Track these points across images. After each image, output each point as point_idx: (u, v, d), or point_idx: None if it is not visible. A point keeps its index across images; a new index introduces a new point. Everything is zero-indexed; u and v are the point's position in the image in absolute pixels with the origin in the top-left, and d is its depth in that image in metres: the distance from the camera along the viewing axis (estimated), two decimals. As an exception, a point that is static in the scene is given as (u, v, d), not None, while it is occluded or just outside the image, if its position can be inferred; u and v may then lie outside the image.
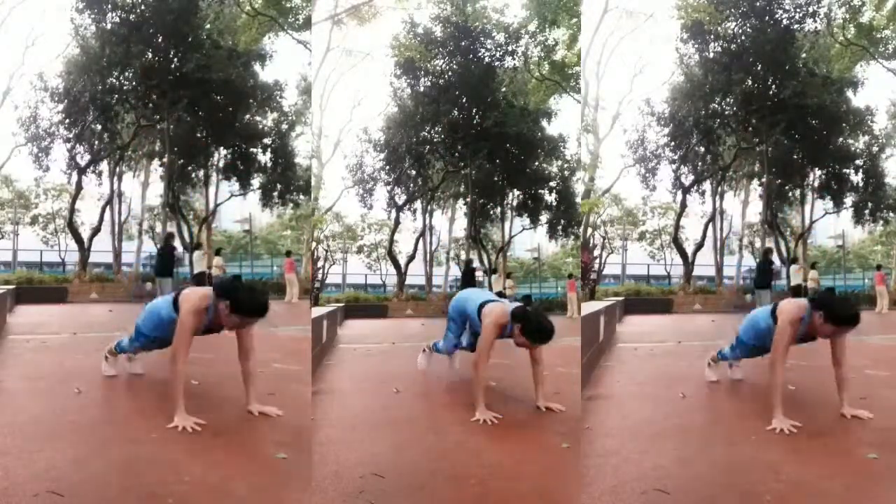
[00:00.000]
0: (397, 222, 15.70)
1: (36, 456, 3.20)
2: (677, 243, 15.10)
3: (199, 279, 12.01)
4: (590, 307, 7.46)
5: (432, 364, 5.85)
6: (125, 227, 14.40)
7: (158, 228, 13.90)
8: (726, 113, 14.61)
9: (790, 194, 15.12)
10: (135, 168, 14.70)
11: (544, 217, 15.48)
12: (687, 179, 14.91)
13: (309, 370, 5.59)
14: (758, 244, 14.73)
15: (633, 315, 12.09)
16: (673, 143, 14.75)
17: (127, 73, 13.57)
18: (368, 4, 15.94)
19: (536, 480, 3.15)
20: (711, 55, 14.48)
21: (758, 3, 14.24)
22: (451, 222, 16.51)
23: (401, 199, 15.63)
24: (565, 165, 15.42)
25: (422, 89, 15.16)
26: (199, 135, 13.99)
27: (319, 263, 16.26)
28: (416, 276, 15.79)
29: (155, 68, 13.44)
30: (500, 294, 12.86)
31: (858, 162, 14.88)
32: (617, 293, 14.08)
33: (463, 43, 14.99)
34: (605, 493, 2.99)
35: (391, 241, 15.71)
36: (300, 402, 4.50)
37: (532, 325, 4.22)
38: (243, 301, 3.74)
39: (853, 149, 14.90)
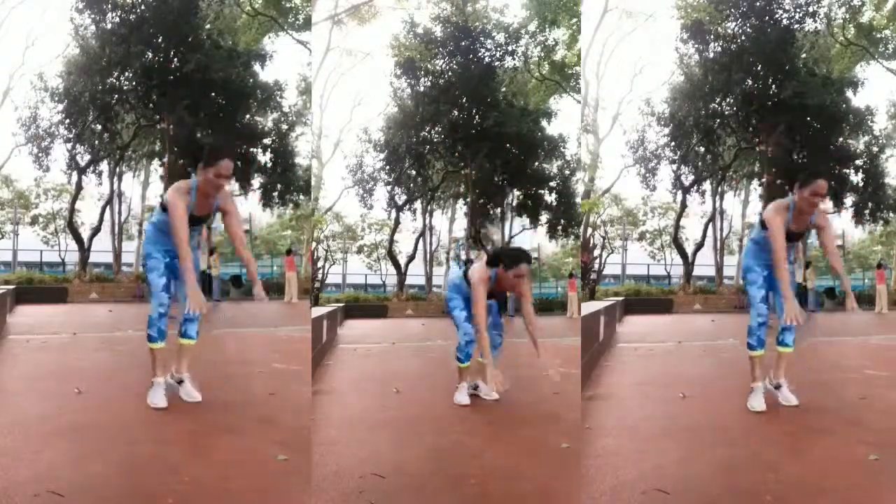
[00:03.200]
0: (397, 222, 15.71)
1: (36, 456, 3.20)
2: (677, 243, 15.10)
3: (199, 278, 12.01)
4: (590, 307, 7.46)
5: (431, 365, 5.84)
6: (125, 227, 14.41)
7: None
8: (726, 113, 14.61)
9: (790, 194, 15.12)
10: (135, 168, 14.71)
11: (544, 217, 15.49)
12: (687, 179, 14.91)
13: (309, 370, 5.59)
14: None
15: (633, 315, 12.09)
16: (673, 143, 14.75)
17: (127, 73, 13.57)
18: (368, 4, 15.95)
19: (536, 480, 3.15)
20: (711, 55, 14.48)
21: (758, 3, 14.25)
22: (451, 222, 16.52)
23: (401, 199, 15.64)
24: (565, 165, 15.43)
25: (422, 89, 15.17)
26: (199, 135, 13.99)
27: (319, 263, 16.26)
28: (416, 276, 15.80)
29: (155, 68, 13.45)
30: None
31: (858, 162, 14.88)
32: (617, 293, 14.08)
33: (463, 43, 14.99)
34: (605, 493, 2.99)
35: (391, 241, 15.72)
36: (300, 403, 4.50)
37: (507, 254, 4.49)
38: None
39: (853, 149, 14.90)
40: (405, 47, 15.14)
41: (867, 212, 14.93)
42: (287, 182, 14.49)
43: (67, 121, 13.60)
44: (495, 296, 4.66)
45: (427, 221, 15.80)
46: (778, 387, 4.61)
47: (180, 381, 4.34)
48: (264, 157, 14.40)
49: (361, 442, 3.71)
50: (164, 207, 4.12)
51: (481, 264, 4.57)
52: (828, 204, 15.08)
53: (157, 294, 4.17)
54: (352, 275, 17.11)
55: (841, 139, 14.79)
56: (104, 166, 14.03)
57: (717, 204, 15.02)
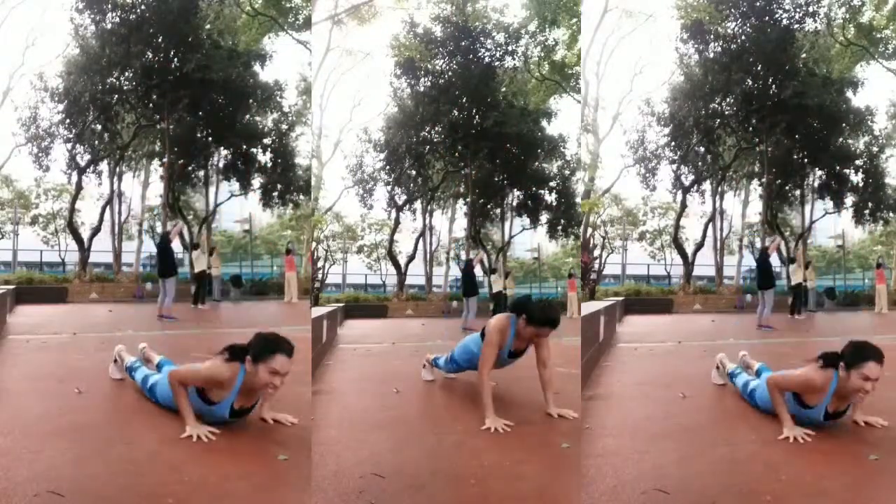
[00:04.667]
0: (397, 222, 15.70)
1: (36, 456, 3.20)
2: (677, 243, 15.10)
3: (199, 278, 12.00)
4: (590, 307, 7.45)
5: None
6: (125, 227, 14.40)
7: (158, 228, 13.90)
8: (726, 113, 14.61)
9: (790, 194, 15.12)
10: (135, 168, 14.69)
11: (544, 217, 15.48)
12: (687, 179, 14.91)
13: (309, 370, 5.59)
14: (758, 244, 14.73)
15: (633, 315, 12.09)
16: (673, 143, 14.75)
17: (127, 73, 13.57)
18: (368, 4, 15.94)
19: (536, 480, 3.14)
20: (711, 55, 14.47)
21: (758, 3, 14.24)
22: (451, 222, 16.51)
23: (401, 199, 15.63)
24: (565, 165, 15.42)
25: (422, 89, 15.16)
26: (199, 135, 13.99)
27: (319, 263, 16.26)
28: (416, 276, 15.79)
29: (155, 68, 13.44)
30: (500, 294, 12.85)
31: (858, 162, 14.88)
32: (617, 293, 14.07)
33: (463, 43, 14.99)
34: (605, 493, 2.99)
35: (391, 241, 15.71)
36: (300, 403, 4.50)
37: (536, 310, 4.21)
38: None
39: (853, 149, 14.90)
40: (405, 47, 15.13)
41: (867, 212, 14.93)
42: (287, 182, 14.48)
43: (67, 121, 13.59)
44: (512, 354, 4.44)
45: (427, 221, 15.80)
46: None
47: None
48: (264, 157, 14.39)
49: (361, 442, 3.71)
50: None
51: (501, 315, 4.39)
52: (828, 203, 15.11)
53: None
54: (352, 275, 17.10)
55: (841, 139, 14.79)
56: (104, 166, 14.01)
57: (717, 204, 15.01)
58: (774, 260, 12.54)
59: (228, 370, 3.67)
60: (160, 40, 13.55)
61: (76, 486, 2.86)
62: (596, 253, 15.79)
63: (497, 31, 15.11)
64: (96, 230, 13.92)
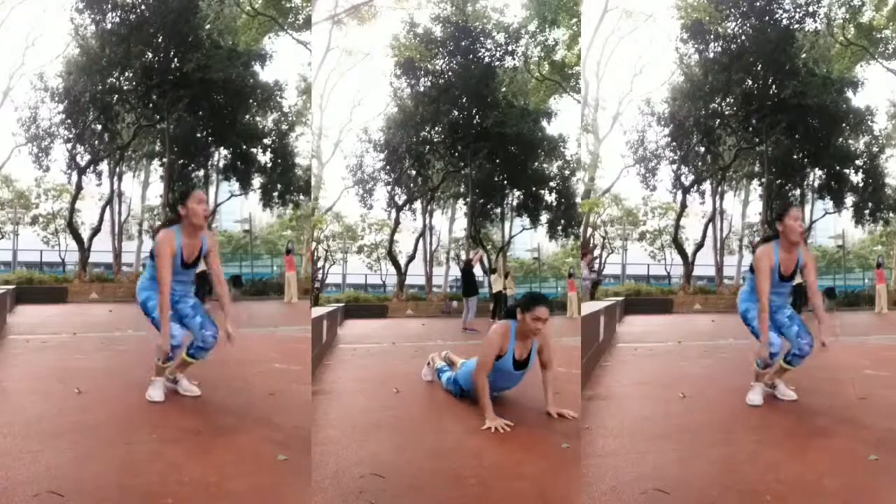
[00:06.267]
0: (397, 222, 15.70)
1: (36, 456, 3.20)
2: (677, 243, 15.10)
3: (200, 278, 11.98)
4: (590, 307, 7.45)
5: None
6: (125, 227, 14.40)
7: (159, 228, 13.90)
8: (726, 113, 14.62)
9: (790, 194, 15.12)
10: (135, 168, 14.70)
11: (544, 217, 15.49)
12: (687, 179, 14.91)
13: (309, 370, 5.59)
14: (758, 244, 14.74)
15: (633, 315, 12.08)
16: (673, 144, 14.75)
17: (127, 73, 13.58)
18: (368, 4, 15.95)
19: (536, 480, 3.14)
20: (711, 55, 14.49)
21: (758, 3, 14.25)
22: (451, 222, 16.53)
23: (401, 199, 15.64)
24: (565, 165, 15.43)
25: (422, 89, 15.17)
26: (199, 135, 13.99)
27: (319, 263, 16.26)
28: (416, 276, 15.80)
29: (155, 68, 13.45)
30: (500, 294, 12.84)
31: (858, 162, 14.89)
32: (617, 293, 14.08)
33: (463, 43, 15.00)
34: (605, 493, 2.99)
35: (391, 241, 15.71)
36: (300, 403, 4.50)
37: (526, 298, 4.35)
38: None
39: (853, 149, 14.91)
40: (405, 47, 15.14)
41: (867, 212, 14.94)
42: (287, 182, 14.49)
43: (67, 121, 13.60)
44: (518, 365, 4.43)
45: (427, 221, 15.80)
46: (773, 386, 4.76)
47: (175, 381, 4.49)
48: (264, 157, 14.41)
49: (361, 442, 3.71)
50: (152, 255, 4.31)
51: (500, 322, 4.43)
52: (828, 203, 15.11)
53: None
54: (352, 275, 17.12)
55: (841, 139, 14.80)
56: (104, 166, 14.02)
57: (717, 204, 15.02)
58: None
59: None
60: (160, 40, 13.57)
61: (76, 486, 2.86)
62: (596, 253, 15.80)
63: (497, 31, 15.12)
64: (96, 230, 13.92)
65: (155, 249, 4.23)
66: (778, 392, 4.73)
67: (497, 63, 15.10)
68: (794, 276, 4.64)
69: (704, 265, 15.23)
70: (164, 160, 13.81)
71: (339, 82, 16.94)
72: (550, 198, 15.43)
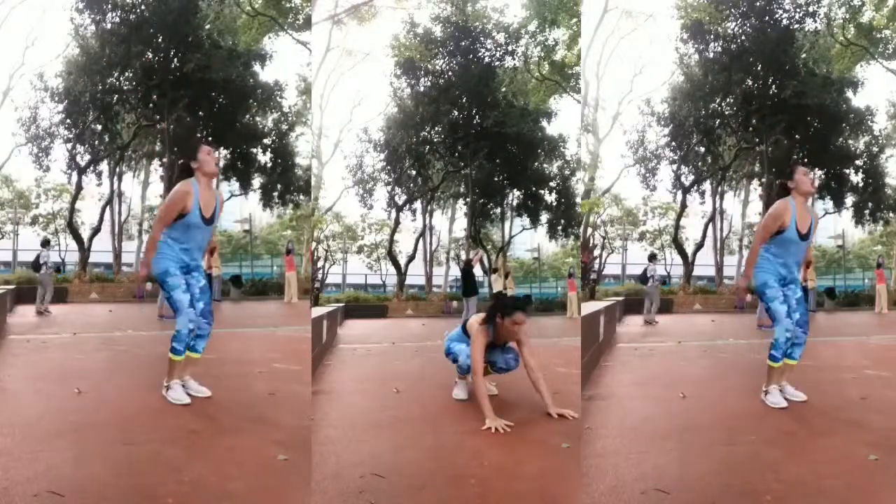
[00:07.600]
0: (397, 222, 15.70)
1: (36, 456, 3.20)
2: (677, 243, 15.10)
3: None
4: (590, 307, 7.45)
5: (432, 365, 5.84)
6: (125, 227, 14.40)
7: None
8: (726, 113, 14.61)
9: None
10: (135, 168, 14.70)
11: (544, 217, 15.49)
12: (687, 179, 14.91)
13: (309, 370, 5.59)
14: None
15: (634, 315, 12.08)
16: (673, 144, 14.75)
17: (127, 73, 13.57)
18: (368, 4, 15.95)
19: (536, 480, 3.14)
20: (711, 55, 14.48)
21: (758, 3, 14.25)
22: (451, 222, 16.53)
23: (401, 199, 15.63)
24: (565, 165, 15.43)
25: (422, 89, 15.17)
26: (198, 135, 13.99)
27: (319, 263, 16.26)
28: (416, 276, 15.80)
29: (155, 68, 13.45)
30: (500, 294, 12.85)
31: (858, 162, 14.88)
32: (617, 293, 14.07)
33: (463, 43, 14.99)
34: (605, 493, 2.99)
35: (391, 241, 15.71)
36: (300, 403, 4.50)
37: (503, 303, 4.41)
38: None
39: (853, 149, 14.90)
40: (405, 47, 15.14)
41: (867, 212, 14.93)
42: (287, 182, 14.49)
43: (67, 121, 13.59)
44: (497, 348, 4.57)
45: (427, 221, 15.80)
46: (780, 389, 4.70)
47: (183, 384, 4.43)
48: (264, 157, 14.40)
49: (361, 442, 3.71)
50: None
51: (479, 317, 4.55)
52: (828, 203, 15.10)
53: (184, 311, 4.28)
54: (352, 275, 17.12)
55: (841, 139, 14.79)
56: (104, 166, 14.02)
57: (717, 204, 15.02)
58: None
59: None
60: (160, 40, 13.56)
61: (76, 486, 2.86)
62: (596, 253, 15.80)
63: (497, 31, 15.11)
64: (96, 230, 13.92)
65: (168, 196, 4.22)
66: (787, 393, 4.67)
67: (497, 63, 15.10)
68: (809, 234, 4.61)
69: (704, 265, 15.23)
70: (164, 160, 13.81)
71: (339, 82, 16.96)
72: (550, 198, 15.43)
